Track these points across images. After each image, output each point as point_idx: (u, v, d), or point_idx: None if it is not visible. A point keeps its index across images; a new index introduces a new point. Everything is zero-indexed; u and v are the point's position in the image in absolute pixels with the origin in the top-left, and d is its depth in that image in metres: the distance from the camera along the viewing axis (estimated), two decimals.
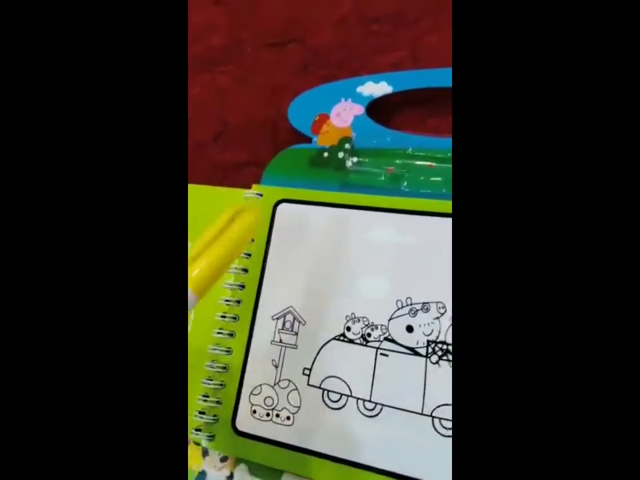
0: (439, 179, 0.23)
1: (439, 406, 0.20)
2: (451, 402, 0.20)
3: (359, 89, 0.26)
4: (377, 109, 0.27)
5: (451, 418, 0.20)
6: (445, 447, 0.20)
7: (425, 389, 0.21)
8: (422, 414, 0.20)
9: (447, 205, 0.22)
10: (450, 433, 0.20)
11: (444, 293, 0.22)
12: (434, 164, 0.24)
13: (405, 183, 0.24)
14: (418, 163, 0.24)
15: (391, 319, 0.22)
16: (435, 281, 0.22)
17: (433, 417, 0.20)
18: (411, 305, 0.22)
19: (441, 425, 0.20)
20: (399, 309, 0.22)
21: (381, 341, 0.22)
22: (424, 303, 0.22)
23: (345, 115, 0.26)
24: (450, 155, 0.23)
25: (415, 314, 0.22)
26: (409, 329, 0.22)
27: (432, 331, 0.21)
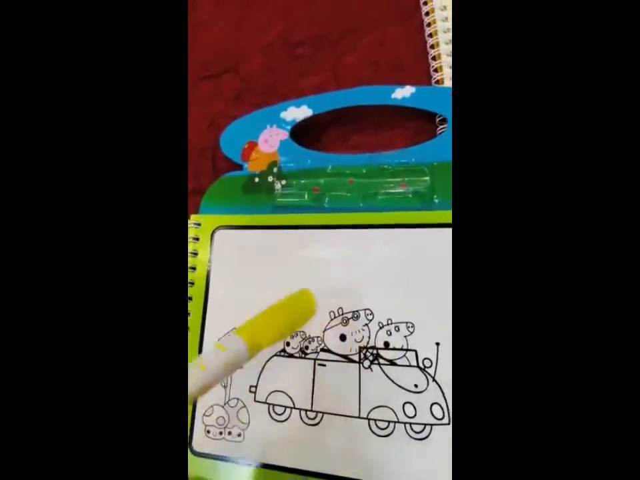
0: (357, 193, 0.25)
1: (373, 408, 0.22)
2: (384, 403, 0.21)
3: (283, 115, 0.28)
4: (305, 131, 0.29)
5: (384, 419, 0.21)
6: (382, 447, 0.21)
7: (360, 393, 0.22)
8: (359, 417, 0.22)
9: (364, 217, 0.23)
10: (385, 432, 0.21)
11: (371, 300, 0.23)
12: (353, 180, 0.25)
13: (327, 200, 0.25)
14: (337, 180, 0.25)
15: (325, 330, 0.23)
16: (362, 289, 0.23)
17: (369, 420, 0.22)
18: (342, 314, 0.23)
19: (377, 426, 0.21)
20: (332, 319, 0.23)
21: (318, 352, 0.23)
22: (354, 312, 0.23)
23: (271, 140, 0.27)
24: (365, 170, 0.25)
25: (346, 323, 0.23)
26: (342, 337, 0.23)
27: (362, 337, 0.23)
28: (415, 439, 0.21)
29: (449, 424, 0.21)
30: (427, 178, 0.24)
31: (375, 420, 0.21)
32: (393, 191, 0.24)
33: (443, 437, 0.20)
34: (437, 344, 0.21)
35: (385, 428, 0.21)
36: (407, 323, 0.22)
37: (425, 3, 0.30)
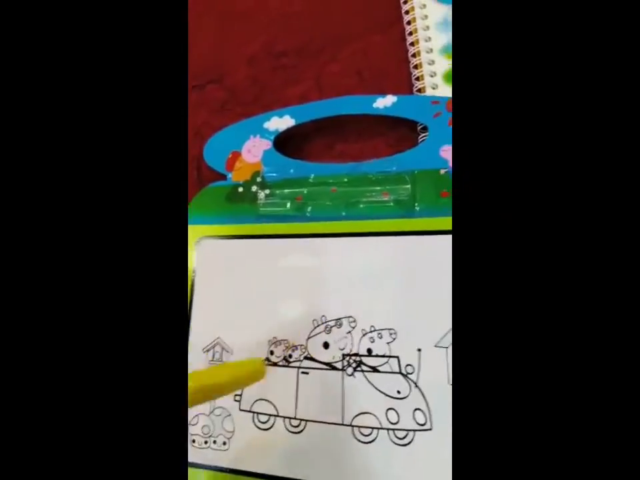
0: (339, 202, 0.25)
1: (357, 415, 0.22)
2: (367, 410, 0.22)
3: (266, 125, 0.28)
4: (288, 141, 0.29)
5: (368, 425, 0.21)
6: (365, 453, 0.21)
7: (343, 400, 0.22)
8: (342, 424, 0.22)
9: (347, 226, 0.24)
10: (368, 439, 0.21)
11: (353, 307, 0.23)
12: (336, 188, 0.25)
13: (309, 209, 0.25)
14: (320, 189, 0.25)
15: (309, 338, 0.23)
16: (344, 297, 0.23)
17: (353, 426, 0.22)
18: (326, 322, 0.23)
19: (360, 432, 0.22)
20: (315, 327, 0.24)
21: (301, 360, 0.23)
22: (337, 319, 0.23)
23: (255, 150, 0.28)
24: (347, 179, 0.25)
25: (329, 330, 0.23)
26: (325, 345, 0.23)
27: (345, 344, 0.23)
28: (398, 444, 0.21)
29: (431, 429, 0.21)
30: (408, 186, 0.24)
31: (359, 427, 0.22)
32: (375, 199, 0.24)
33: (426, 443, 0.21)
34: (419, 350, 0.22)
35: (369, 434, 0.21)
36: (389, 329, 0.22)
37: (407, 12, 0.31)
